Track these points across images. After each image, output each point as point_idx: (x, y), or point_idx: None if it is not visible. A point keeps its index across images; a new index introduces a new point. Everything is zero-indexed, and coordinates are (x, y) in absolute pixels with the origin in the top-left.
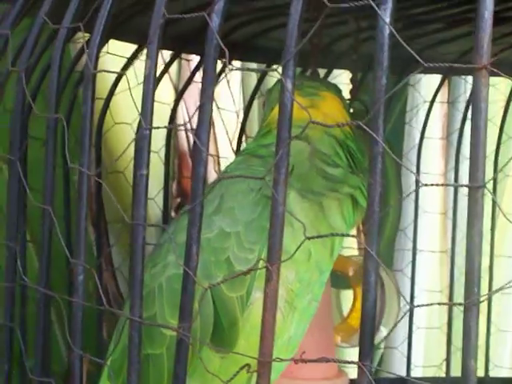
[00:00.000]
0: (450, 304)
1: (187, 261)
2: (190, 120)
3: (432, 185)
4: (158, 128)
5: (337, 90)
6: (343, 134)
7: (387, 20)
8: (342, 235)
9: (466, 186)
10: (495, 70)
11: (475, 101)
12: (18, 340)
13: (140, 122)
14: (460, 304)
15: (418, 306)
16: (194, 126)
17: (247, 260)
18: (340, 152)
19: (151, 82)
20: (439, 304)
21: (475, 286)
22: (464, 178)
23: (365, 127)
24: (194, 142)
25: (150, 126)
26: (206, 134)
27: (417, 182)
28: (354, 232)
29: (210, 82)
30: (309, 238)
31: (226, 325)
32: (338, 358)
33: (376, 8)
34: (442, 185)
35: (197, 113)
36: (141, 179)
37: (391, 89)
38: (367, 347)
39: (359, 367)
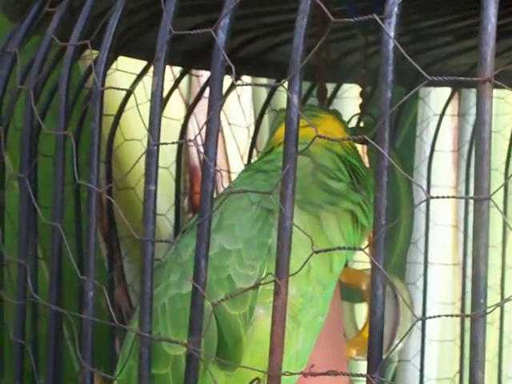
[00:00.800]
0: (457, 315)
1: (196, 276)
2: (199, 134)
3: (438, 197)
4: (165, 144)
5: (337, 115)
6: (345, 150)
7: (392, 34)
8: (350, 249)
9: (471, 198)
10: (499, 83)
11: (479, 113)
12: (29, 357)
13: (148, 138)
14: (467, 316)
15: (427, 318)
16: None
17: (248, 277)
18: (342, 167)
19: (158, 99)
20: (446, 316)
21: (481, 297)
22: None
23: (371, 141)
24: (203, 158)
25: (157, 142)
26: (213, 149)
27: (426, 195)
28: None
29: (217, 97)
30: (316, 252)
31: (230, 342)
32: (350, 372)
33: (380, 22)
34: (448, 197)
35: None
36: (149, 194)
37: (400, 101)
38: (375, 360)
39: (367, 380)
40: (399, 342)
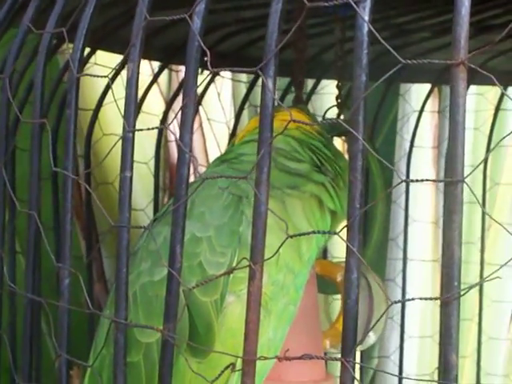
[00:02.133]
0: (430, 299)
1: (171, 262)
2: (175, 119)
3: (417, 180)
4: (141, 130)
5: (302, 108)
6: (304, 135)
7: (366, 18)
8: (323, 232)
9: (444, 180)
10: (473, 66)
11: (453, 96)
12: (6, 348)
13: (123, 124)
14: (440, 299)
15: (399, 301)
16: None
17: (219, 264)
18: (299, 148)
19: (134, 85)
20: (420, 299)
21: (455, 280)
22: None
23: (344, 124)
24: (178, 144)
25: (133, 128)
26: (188, 135)
27: (406, 182)
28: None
29: (192, 83)
30: (291, 237)
31: (202, 330)
32: (326, 363)
33: (355, 6)
34: (422, 180)
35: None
36: (125, 181)
37: (379, 98)
38: (350, 344)
39: (342, 363)
40: (375, 324)
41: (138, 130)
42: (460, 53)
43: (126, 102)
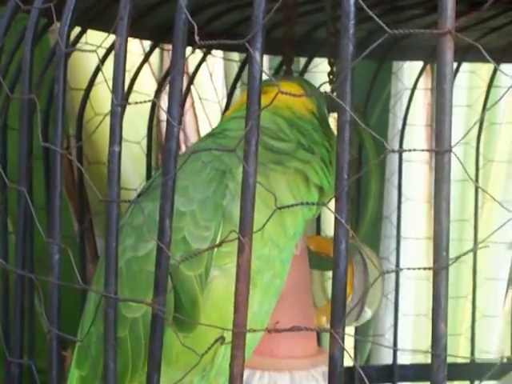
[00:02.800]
0: (421, 268)
1: (160, 235)
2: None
3: (410, 150)
4: (129, 104)
5: (301, 81)
6: (293, 114)
7: None
8: (311, 204)
9: (432, 150)
10: (459, 35)
11: (440, 65)
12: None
13: (112, 98)
14: (429, 268)
15: (389, 272)
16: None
17: (203, 238)
18: (285, 127)
19: (121, 59)
20: (408, 269)
21: (443, 249)
22: None
23: (331, 95)
24: (167, 117)
25: (121, 102)
26: (177, 109)
27: (398, 152)
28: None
29: (180, 56)
30: (280, 208)
31: (187, 304)
32: (319, 339)
33: None
34: (410, 150)
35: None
36: (113, 155)
37: (372, 76)
38: (339, 314)
39: (331, 334)
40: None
41: (127, 104)
42: (447, 22)
43: (113, 76)
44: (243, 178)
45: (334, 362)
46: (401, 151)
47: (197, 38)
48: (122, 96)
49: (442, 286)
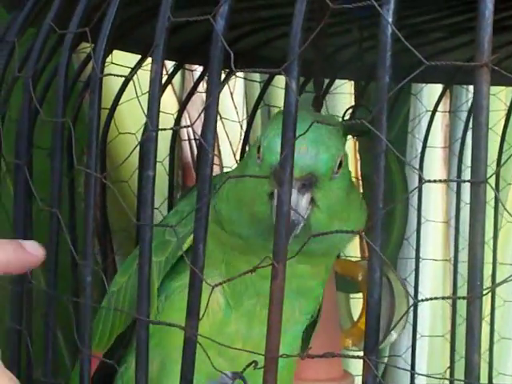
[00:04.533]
0: (452, 298)
1: (194, 260)
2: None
3: (435, 181)
4: (164, 130)
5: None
6: None
7: (390, 20)
8: (347, 232)
9: (468, 181)
10: (496, 68)
11: (476, 98)
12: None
13: (146, 124)
14: (463, 298)
15: (421, 300)
16: (197, 135)
17: (176, 233)
18: None
19: (157, 85)
20: (443, 298)
21: (478, 279)
22: (466, 185)
23: (368, 125)
24: (200, 143)
25: (156, 128)
26: (211, 135)
27: (420, 178)
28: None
29: (216, 84)
30: (314, 236)
31: None
32: (343, 360)
33: (378, 8)
34: (446, 181)
35: (201, 119)
36: (147, 180)
37: (392, 98)
38: (372, 342)
39: (364, 361)
40: (398, 322)
41: (161, 130)
42: (484, 55)
43: (149, 101)
44: (278, 205)
45: None
46: (436, 181)
47: (232, 66)
48: (157, 122)
49: (476, 317)
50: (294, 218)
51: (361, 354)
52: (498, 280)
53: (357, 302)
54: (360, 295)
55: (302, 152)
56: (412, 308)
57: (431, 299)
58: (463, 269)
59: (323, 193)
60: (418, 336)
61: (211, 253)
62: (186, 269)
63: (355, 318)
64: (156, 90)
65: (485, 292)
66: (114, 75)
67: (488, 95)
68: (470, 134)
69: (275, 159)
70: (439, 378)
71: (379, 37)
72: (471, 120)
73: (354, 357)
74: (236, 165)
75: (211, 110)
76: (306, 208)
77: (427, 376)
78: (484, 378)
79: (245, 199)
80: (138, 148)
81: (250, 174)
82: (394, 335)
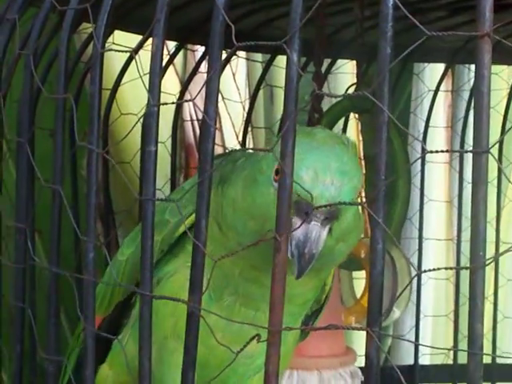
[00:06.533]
0: (455, 268)
1: (196, 235)
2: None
3: (437, 151)
4: (165, 104)
5: None
6: None
7: None
8: (349, 204)
9: (470, 151)
10: (498, 38)
11: (478, 67)
12: (28, 322)
13: (148, 99)
14: (466, 268)
15: (423, 271)
16: (199, 116)
17: (177, 213)
18: None
19: (158, 60)
20: (445, 269)
21: (480, 249)
22: (468, 165)
23: (369, 95)
24: (203, 117)
25: (157, 102)
26: (213, 109)
27: (422, 149)
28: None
29: (217, 58)
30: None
31: None
32: (347, 339)
33: None
34: (447, 151)
35: (203, 97)
36: (149, 155)
37: (394, 78)
38: (375, 314)
39: (367, 333)
40: (400, 295)
41: (163, 104)
42: (485, 25)
43: (150, 77)
44: (280, 177)
45: (370, 360)
46: (438, 152)
47: (234, 39)
48: (158, 97)
49: (479, 286)
50: (315, 250)
51: (362, 332)
52: (500, 260)
53: (360, 282)
54: (363, 273)
55: (328, 183)
56: (416, 289)
57: (434, 270)
58: (466, 248)
59: (339, 222)
60: (421, 316)
61: None
62: (179, 253)
63: (358, 296)
64: (157, 65)
65: (488, 262)
66: (116, 50)
67: (489, 65)
68: (472, 113)
69: (299, 187)
70: (443, 349)
71: (380, 8)
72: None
73: (356, 328)
74: (238, 146)
75: (212, 85)
76: (325, 240)
77: (431, 347)
78: (487, 357)
79: (254, 216)
80: (140, 129)
81: (262, 192)
82: (396, 312)
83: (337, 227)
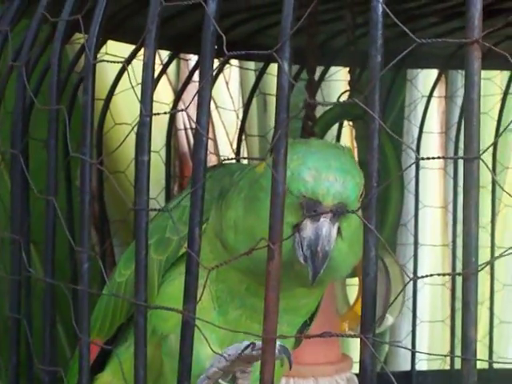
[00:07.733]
0: (449, 274)
1: (190, 243)
2: (187, 108)
3: (428, 158)
4: (158, 114)
5: None
6: None
7: None
8: (349, 211)
9: (461, 158)
10: (487, 44)
11: (468, 75)
12: (24, 333)
13: (140, 109)
14: (458, 274)
15: (418, 277)
16: (193, 125)
17: (177, 231)
18: None
19: (150, 70)
20: (438, 275)
21: (472, 255)
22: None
23: (360, 103)
24: (196, 127)
25: (150, 113)
26: (205, 118)
27: (416, 157)
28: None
29: (209, 67)
30: None
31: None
32: (342, 346)
33: None
34: (440, 157)
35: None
36: (142, 165)
37: (388, 84)
38: (369, 320)
39: (361, 340)
40: (393, 302)
41: (155, 115)
42: (474, 32)
43: (142, 87)
44: (272, 185)
45: (365, 367)
46: (430, 158)
47: (225, 49)
48: (151, 107)
49: (472, 292)
50: (328, 248)
51: (356, 339)
52: (496, 265)
53: (353, 289)
54: (356, 280)
55: (332, 180)
56: (412, 295)
57: (427, 276)
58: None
59: (348, 222)
60: (418, 322)
61: (203, 255)
62: (179, 262)
63: (351, 303)
64: (149, 75)
65: (480, 267)
66: (108, 61)
67: (479, 71)
68: None
69: (303, 188)
70: (437, 355)
71: (371, 16)
72: None
73: (350, 336)
74: (232, 154)
75: (204, 94)
76: (335, 238)
77: (428, 354)
78: (484, 362)
79: (258, 233)
80: (134, 138)
81: (267, 207)
82: (390, 319)
83: (346, 228)
